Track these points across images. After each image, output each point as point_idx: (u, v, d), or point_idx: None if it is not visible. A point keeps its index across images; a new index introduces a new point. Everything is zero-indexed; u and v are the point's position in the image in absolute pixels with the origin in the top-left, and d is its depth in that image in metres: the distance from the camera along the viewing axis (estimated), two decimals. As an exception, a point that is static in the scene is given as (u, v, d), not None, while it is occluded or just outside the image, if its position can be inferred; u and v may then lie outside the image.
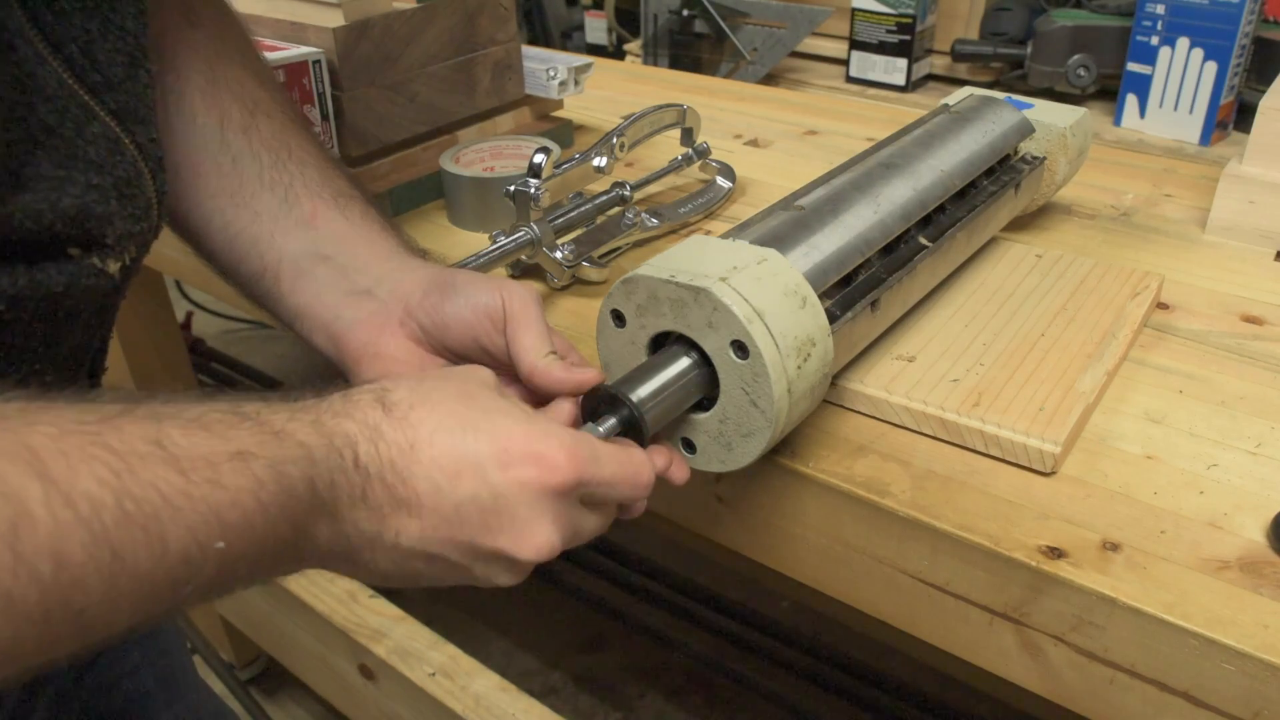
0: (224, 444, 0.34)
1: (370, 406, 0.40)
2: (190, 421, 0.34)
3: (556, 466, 0.41)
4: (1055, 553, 0.48)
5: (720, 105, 1.15)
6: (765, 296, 0.47)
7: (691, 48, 1.81)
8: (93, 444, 0.31)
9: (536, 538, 0.41)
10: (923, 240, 0.63)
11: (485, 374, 0.45)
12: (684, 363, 0.49)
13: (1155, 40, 1.34)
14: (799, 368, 0.48)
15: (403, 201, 0.88)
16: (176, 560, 0.32)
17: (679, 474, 0.49)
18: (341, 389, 0.41)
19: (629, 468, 0.45)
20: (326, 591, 1.15)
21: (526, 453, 0.41)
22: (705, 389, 0.50)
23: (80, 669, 0.63)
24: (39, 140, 0.40)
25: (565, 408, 0.49)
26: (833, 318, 0.53)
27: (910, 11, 1.59)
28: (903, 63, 1.63)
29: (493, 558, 0.42)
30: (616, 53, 2.08)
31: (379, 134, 0.85)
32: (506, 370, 0.51)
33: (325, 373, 0.45)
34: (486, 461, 0.41)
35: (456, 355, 0.53)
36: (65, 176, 0.41)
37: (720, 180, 0.90)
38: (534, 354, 0.49)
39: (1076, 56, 1.47)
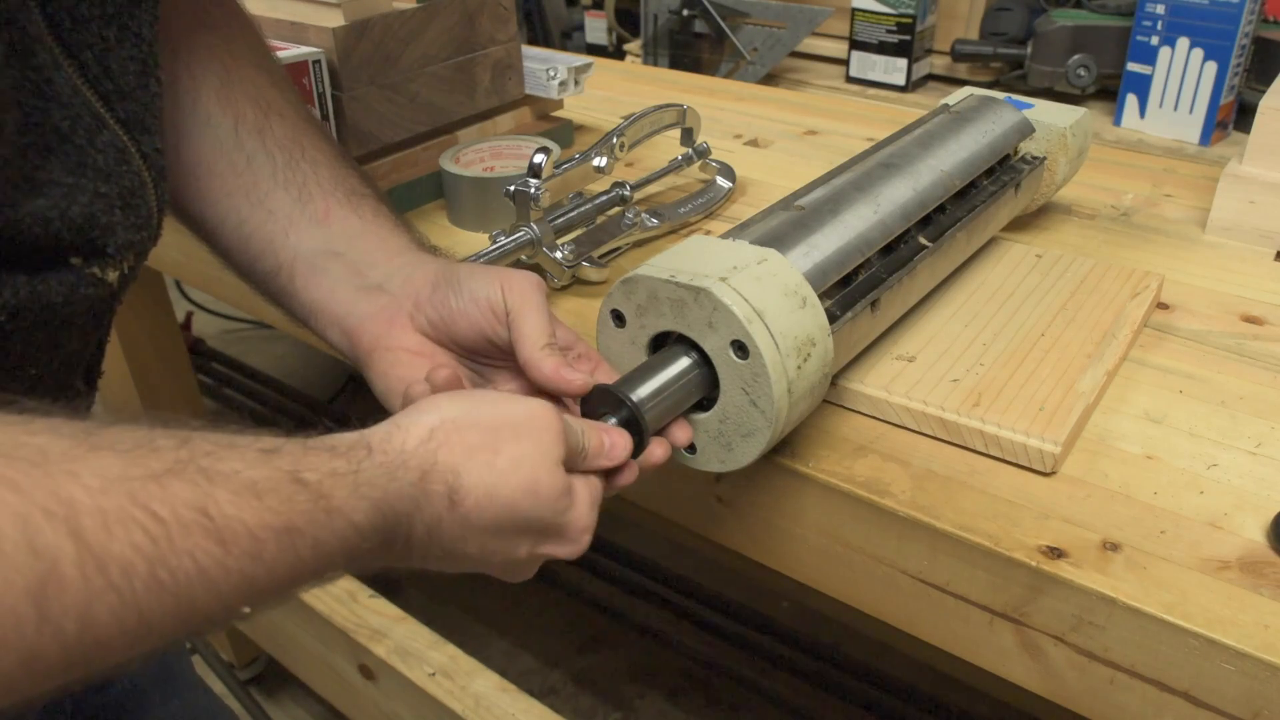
0: (273, 517, 0.34)
1: (440, 499, 0.40)
2: (244, 487, 0.33)
3: (579, 549, 0.45)
4: (1055, 553, 0.48)
5: (720, 105, 1.15)
6: (765, 296, 0.47)
7: (691, 48, 1.81)
8: (134, 505, 0.30)
9: (524, 577, 0.46)
10: (923, 240, 0.63)
11: (554, 432, 0.44)
12: (684, 363, 0.49)
13: (1155, 40, 1.34)
14: (799, 368, 0.48)
15: (403, 201, 0.88)
16: (200, 621, 0.32)
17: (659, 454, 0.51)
18: (418, 458, 0.40)
19: (601, 438, 0.47)
20: (326, 591, 1.15)
21: (562, 538, 0.45)
22: (705, 389, 0.50)
23: None
24: (52, 146, 0.41)
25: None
26: (833, 318, 0.53)
27: (910, 11, 1.59)
28: (903, 63, 1.63)
29: (479, 571, 0.45)
30: (616, 53, 2.08)
31: (379, 134, 0.85)
32: (513, 361, 0.51)
33: (325, 373, 0.44)
34: (524, 543, 0.44)
35: (465, 348, 0.54)
36: (75, 184, 0.41)
37: (720, 180, 0.90)
38: (530, 346, 0.50)
39: (1076, 56, 1.47)
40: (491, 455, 0.41)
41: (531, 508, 0.42)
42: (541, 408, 0.44)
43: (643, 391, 0.47)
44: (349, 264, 0.55)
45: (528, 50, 0.99)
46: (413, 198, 0.89)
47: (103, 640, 0.29)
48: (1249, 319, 0.69)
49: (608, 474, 0.48)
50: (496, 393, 0.46)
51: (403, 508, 0.39)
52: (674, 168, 0.89)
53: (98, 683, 0.65)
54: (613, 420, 0.48)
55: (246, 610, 0.34)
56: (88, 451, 0.31)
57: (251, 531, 0.33)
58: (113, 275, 0.44)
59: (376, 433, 0.40)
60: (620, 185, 0.81)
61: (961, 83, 1.55)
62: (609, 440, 0.47)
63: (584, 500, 0.45)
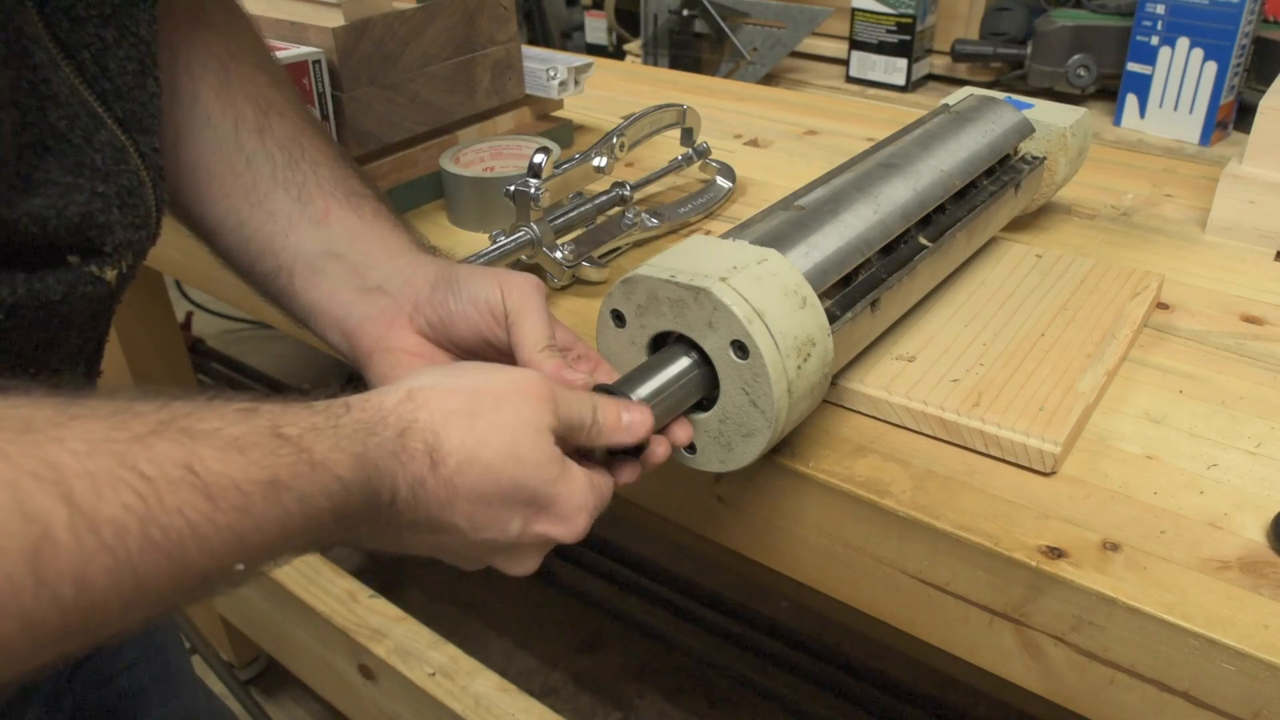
0: (258, 471, 0.34)
1: (420, 457, 0.40)
2: (227, 443, 0.34)
3: (576, 530, 0.44)
4: (1055, 553, 0.48)
5: (720, 105, 1.15)
6: (765, 296, 0.47)
7: (691, 48, 1.81)
8: (121, 466, 0.31)
9: (525, 567, 0.46)
10: (923, 240, 0.63)
11: (542, 399, 0.44)
12: (684, 363, 0.49)
13: (1155, 40, 1.34)
14: (799, 368, 0.48)
15: (403, 201, 0.88)
16: (196, 581, 0.33)
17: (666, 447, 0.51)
18: (396, 417, 0.40)
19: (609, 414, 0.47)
20: (326, 591, 1.15)
21: (556, 515, 0.44)
22: (705, 389, 0.50)
23: (74, 664, 0.63)
24: (49, 146, 0.41)
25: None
26: (833, 318, 0.53)
27: (910, 11, 1.59)
28: (903, 63, 1.63)
29: (481, 563, 0.45)
30: (616, 53, 2.08)
31: (379, 134, 0.85)
32: (513, 363, 0.51)
33: (325, 373, 0.44)
34: (516, 518, 0.43)
35: (464, 350, 0.54)
36: (73, 183, 0.41)
37: (720, 180, 0.90)
38: (529, 347, 0.50)
39: (1076, 56, 1.47)
40: (470, 419, 0.41)
41: (515, 473, 0.42)
42: (526, 376, 0.44)
43: (643, 391, 0.48)
44: (349, 265, 0.55)
45: (528, 50, 0.99)
46: (413, 198, 0.89)
47: (99, 602, 0.30)
48: (1249, 319, 0.69)
49: (612, 467, 0.47)
50: (483, 363, 0.46)
51: (385, 465, 0.39)
52: (674, 168, 0.89)
53: (99, 679, 0.66)
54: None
55: (240, 568, 0.34)
56: (70, 419, 0.31)
57: (238, 485, 0.33)
58: (111, 274, 0.44)
59: (355, 396, 0.41)
60: (620, 185, 0.81)
61: (961, 83, 1.55)
62: (629, 416, 0.46)
63: (579, 477, 0.44)
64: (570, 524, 0.44)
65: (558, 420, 0.43)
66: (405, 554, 0.44)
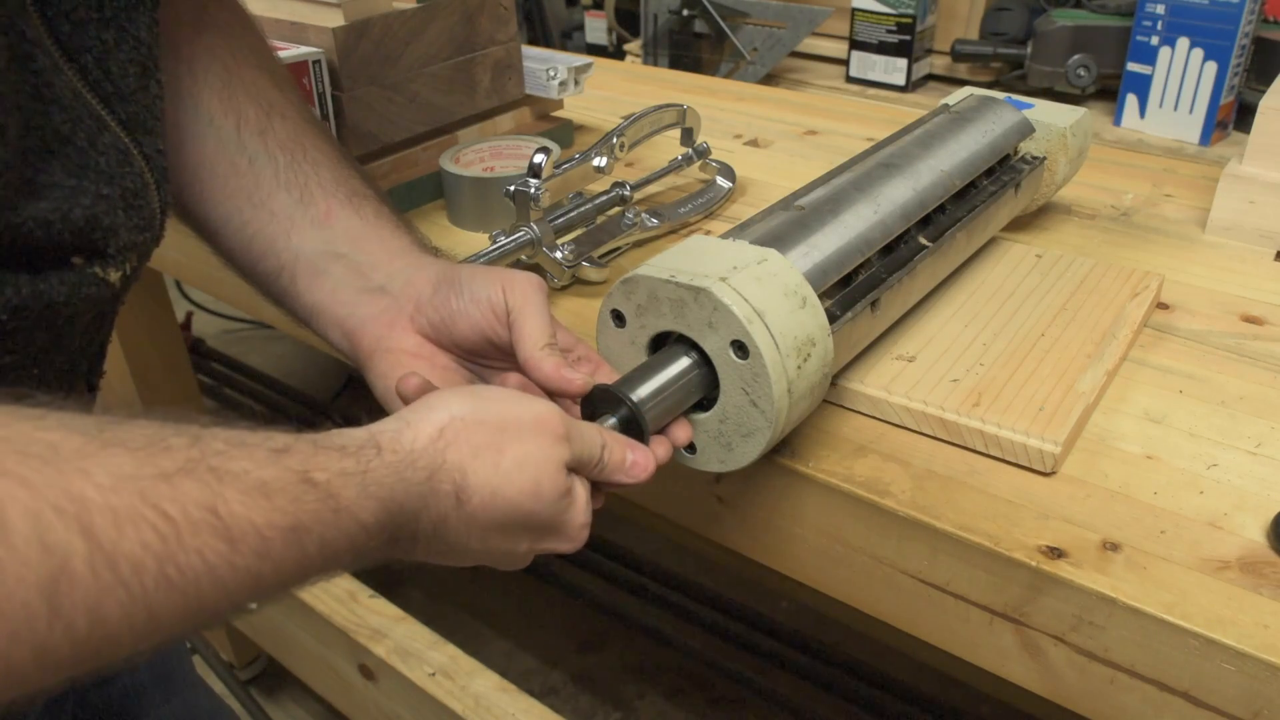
0: (281, 517, 0.34)
1: (447, 498, 0.41)
2: (253, 487, 0.34)
3: (576, 545, 0.46)
4: (1055, 553, 0.48)
5: (720, 105, 1.15)
6: (765, 296, 0.47)
7: (691, 48, 1.81)
8: (144, 503, 0.31)
9: (519, 567, 0.46)
10: (923, 240, 0.63)
11: (558, 434, 0.44)
12: (684, 363, 0.49)
13: (1155, 40, 1.34)
14: (799, 368, 0.48)
15: (403, 201, 0.88)
16: (208, 617, 0.33)
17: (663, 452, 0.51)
18: (426, 458, 0.41)
19: (618, 454, 0.48)
20: (327, 591, 1.15)
21: (560, 536, 0.45)
22: (705, 389, 0.50)
23: None
24: (53, 149, 0.41)
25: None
26: (833, 318, 0.53)
27: (910, 11, 1.59)
28: (903, 63, 1.63)
29: (477, 563, 0.45)
30: (616, 53, 2.08)
31: (379, 134, 0.85)
32: (514, 362, 0.51)
33: (325, 373, 0.44)
34: (524, 539, 0.44)
35: (465, 350, 0.54)
36: (77, 186, 0.41)
37: (720, 180, 0.90)
38: (530, 346, 0.50)
39: (1076, 56, 1.47)
40: (497, 455, 0.42)
41: (534, 508, 0.43)
42: (548, 409, 0.44)
43: (643, 391, 0.48)
44: (350, 265, 0.56)
45: (528, 50, 0.99)
46: (413, 198, 0.89)
47: (112, 635, 0.30)
48: (1249, 319, 0.69)
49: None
50: (504, 390, 0.46)
51: (410, 506, 0.39)
52: (674, 168, 0.89)
53: (100, 678, 0.66)
54: (612, 420, 0.48)
55: (253, 606, 0.34)
56: (100, 449, 0.31)
57: (259, 531, 0.33)
58: (115, 275, 0.44)
59: (385, 431, 0.40)
60: (620, 185, 0.81)
61: (961, 83, 1.55)
62: (632, 457, 0.47)
63: (581, 499, 0.45)
64: (573, 541, 0.46)
65: (571, 455, 0.44)
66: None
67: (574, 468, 0.45)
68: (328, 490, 0.36)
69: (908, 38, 1.61)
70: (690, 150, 0.90)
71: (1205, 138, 1.35)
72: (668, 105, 0.86)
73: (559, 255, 0.73)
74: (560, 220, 0.76)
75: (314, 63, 0.79)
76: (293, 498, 0.35)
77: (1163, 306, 0.70)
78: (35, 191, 0.40)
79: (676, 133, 0.90)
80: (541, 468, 0.43)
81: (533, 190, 0.72)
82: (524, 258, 0.73)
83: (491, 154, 0.88)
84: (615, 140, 0.79)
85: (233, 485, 0.33)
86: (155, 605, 0.31)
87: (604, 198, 0.80)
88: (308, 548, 0.35)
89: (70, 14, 0.42)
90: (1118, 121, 1.43)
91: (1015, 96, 0.78)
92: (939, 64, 1.68)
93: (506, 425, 0.43)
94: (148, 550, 0.30)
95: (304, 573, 0.36)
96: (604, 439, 0.46)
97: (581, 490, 0.45)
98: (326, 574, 0.37)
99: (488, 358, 0.54)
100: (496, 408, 0.43)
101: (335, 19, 0.80)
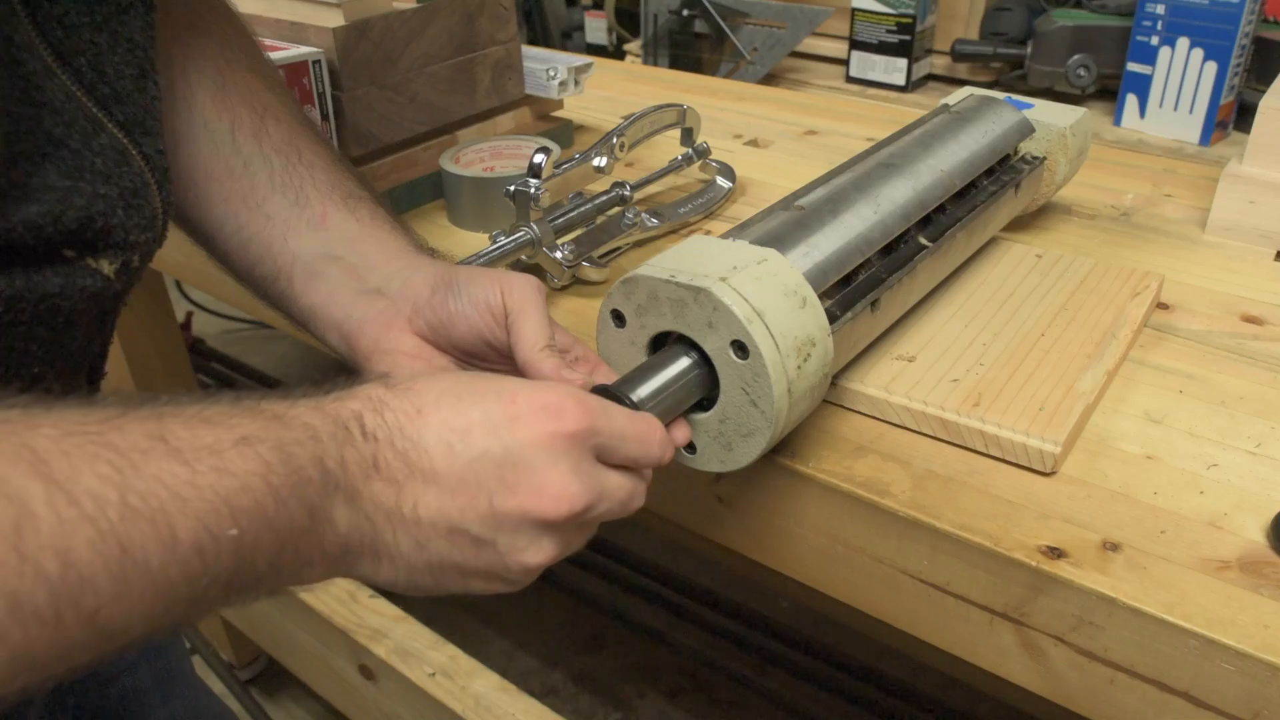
0: (227, 432, 0.34)
1: (373, 384, 0.40)
2: (191, 416, 0.34)
3: (566, 412, 0.41)
4: (1055, 553, 0.48)
5: (720, 105, 1.15)
6: (765, 296, 0.47)
7: (691, 48, 1.81)
8: (94, 443, 0.31)
9: (556, 485, 0.40)
10: (923, 240, 0.63)
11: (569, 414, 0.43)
12: (684, 363, 0.49)
13: (1155, 40, 1.34)
14: (799, 368, 0.48)
15: (403, 201, 0.88)
16: (189, 551, 0.32)
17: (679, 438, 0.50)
18: (348, 382, 0.41)
19: (639, 423, 0.44)
20: (326, 591, 1.15)
21: (535, 404, 0.41)
22: (705, 389, 0.50)
23: None
24: (47, 153, 0.41)
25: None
26: (833, 318, 0.53)
27: (910, 11, 1.59)
28: (903, 63, 1.63)
29: (518, 524, 0.40)
30: (616, 53, 2.08)
31: (379, 134, 0.85)
32: (512, 364, 0.51)
33: (325, 372, 0.44)
34: (496, 417, 0.40)
35: (463, 351, 0.54)
36: (72, 186, 0.41)
37: (720, 180, 0.90)
38: (529, 348, 0.50)
39: (1076, 56, 1.47)
40: (455, 378, 0.42)
41: (471, 380, 0.41)
42: (557, 393, 0.43)
43: (642, 391, 0.47)
44: (347, 268, 0.56)
45: (528, 50, 0.99)
46: (413, 198, 0.89)
47: (87, 576, 0.29)
48: (1249, 319, 0.69)
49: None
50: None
51: (342, 404, 0.39)
52: (674, 168, 0.89)
53: (101, 679, 0.66)
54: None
55: (234, 532, 0.33)
56: (45, 411, 0.32)
57: (209, 447, 0.33)
58: (108, 267, 0.44)
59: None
60: (620, 185, 0.81)
61: (961, 83, 1.55)
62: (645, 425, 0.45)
63: (565, 463, 0.41)
64: (553, 497, 0.40)
65: (589, 427, 0.43)
66: (441, 572, 0.41)
67: (600, 449, 0.42)
68: (260, 408, 0.37)
69: (908, 38, 1.61)
70: (690, 150, 0.90)
71: (1205, 138, 1.35)
72: (668, 105, 0.86)
73: (559, 255, 0.73)
74: (560, 220, 0.76)
75: (314, 63, 0.79)
76: (230, 414, 0.35)
77: (1163, 306, 0.70)
78: (27, 195, 0.40)
79: (676, 133, 0.90)
80: (518, 386, 0.42)
81: (533, 190, 0.72)
82: (524, 258, 0.73)
83: (491, 154, 0.88)
84: (615, 140, 0.79)
85: (172, 418, 0.34)
86: (125, 537, 0.30)
87: (604, 198, 0.80)
88: (265, 455, 0.35)
89: (62, 19, 0.42)
90: (1118, 121, 1.43)
91: (1015, 96, 0.78)
92: (939, 64, 1.68)
93: (475, 375, 0.43)
94: (106, 482, 0.30)
95: (273, 488, 0.34)
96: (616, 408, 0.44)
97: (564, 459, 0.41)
98: (304, 500, 0.36)
99: (486, 359, 0.54)
100: (463, 375, 0.43)
101: (335, 19, 0.80)
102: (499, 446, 0.40)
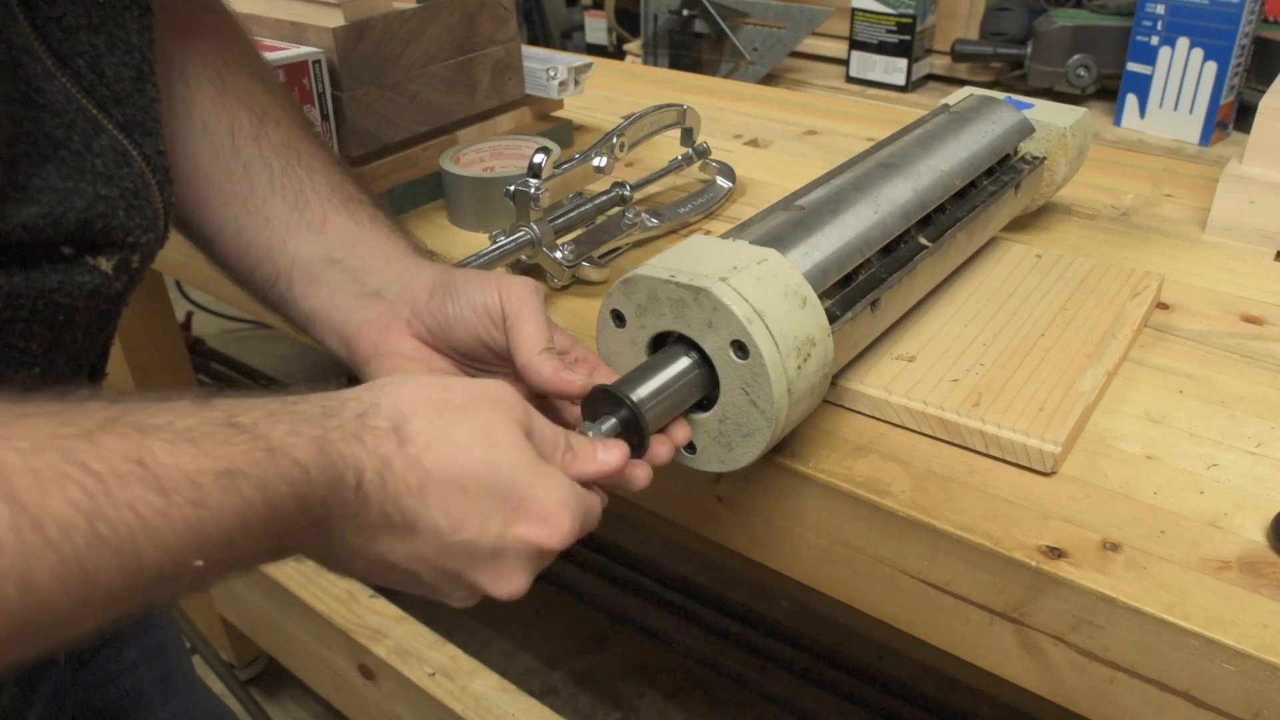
0: (211, 462, 0.33)
1: (386, 436, 0.39)
2: (178, 435, 0.33)
3: (560, 532, 0.42)
4: (1055, 553, 0.48)
5: (720, 105, 1.15)
6: (765, 296, 0.47)
7: (691, 48, 1.81)
8: (67, 462, 0.30)
9: (514, 584, 0.42)
10: (923, 240, 0.63)
11: (513, 403, 0.43)
12: (684, 363, 0.49)
13: (1155, 40, 1.34)
14: (799, 368, 0.48)
15: (403, 201, 0.88)
16: (151, 578, 0.31)
17: (663, 454, 0.50)
18: (357, 401, 0.40)
19: (598, 498, 0.46)
20: (326, 591, 1.15)
21: (536, 514, 0.41)
22: (705, 389, 0.50)
23: (77, 664, 0.63)
24: (46, 154, 0.41)
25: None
26: (833, 318, 0.53)
27: (910, 11, 1.59)
28: (903, 63, 1.63)
29: (466, 587, 0.42)
30: (616, 53, 2.08)
31: (379, 134, 0.85)
32: (511, 367, 0.51)
33: (325, 373, 0.44)
34: (494, 514, 0.41)
35: (462, 354, 0.54)
36: (72, 188, 0.41)
37: (720, 180, 0.90)
38: (528, 351, 0.50)
39: (1076, 56, 1.47)
40: (439, 407, 0.40)
41: (488, 456, 0.40)
42: (498, 383, 0.44)
43: (643, 391, 0.47)
44: (347, 271, 0.56)
45: (528, 50, 0.99)
46: (413, 198, 0.89)
47: (46, 602, 0.29)
48: (1249, 319, 0.69)
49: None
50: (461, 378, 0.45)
51: (347, 448, 0.37)
52: (674, 168, 0.89)
53: (102, 679, 0.66)
54: (612, 421, 0.47)
55: (199, 564, 0.32)
56: (16, 418, 0.30)
57: (190, 478, 0.32)
58: (107, 265, 0.44)
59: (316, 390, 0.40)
60: (620, 185, 0.81)
61: (961, 83, 1.55)
62: (604, 452, 0.45)
63: (557, 473, 0.43)
64: (552, 524, 0.41)
65: (529, 420, 0.43)
66: (384, 582, 0.42)
67: (536, 442, 0.43)
68: (256, 431, 0.35)
69: (908, 38, 1.61)
70: (690, 150, 0.90)
71: (1205, 138, 1.35)
72: (668, 105, 0.86)
73: (559, 255, 0.73)
74: (560, 220, 0.76)
75: (314, 63, 0.79)
76: (220, 440, 0.34)
77: (1163, 306, 0.70)
78: (27, 197, 0.40)
79: (676, 133, 0.90)
80: (490, 418, 0.41)
81: (533, 190, 0.72)
82: (524, 258, 0.73)
83: (491, 154, 0.88)
84: (615, 140, 0.79)
85: (156, 436, 0.32)
86: (90, 566, 0.29)
87: (604, 198, 0.80)
88: (246, 493, 0.33)
89: (60, 21, 0.42)
90: (1118, 121, 1.43)
91: (1015, 96, 0.78)
92: (939, 64, 1.68)
93: (451, 385, 0.42)
94: (76, 509, 0.29)
95: (246, 524, 0.34)
96: (565, 431, 0.45)
97: (554, 468, 0.43)
98: (276, 533, 0.35)
99: (485, 362, 0.54)
100: (442, 377, 0.43)
101: (335, 19, 0.80)
102: (487, 544, 0.41)
